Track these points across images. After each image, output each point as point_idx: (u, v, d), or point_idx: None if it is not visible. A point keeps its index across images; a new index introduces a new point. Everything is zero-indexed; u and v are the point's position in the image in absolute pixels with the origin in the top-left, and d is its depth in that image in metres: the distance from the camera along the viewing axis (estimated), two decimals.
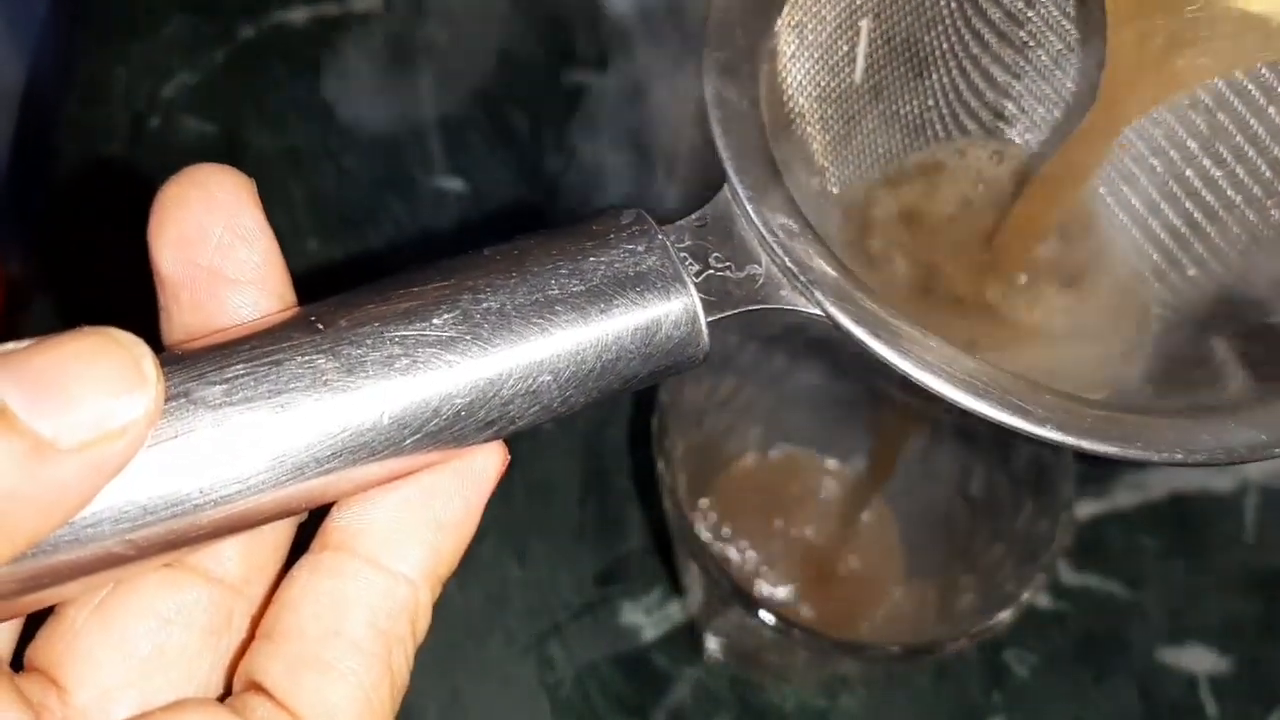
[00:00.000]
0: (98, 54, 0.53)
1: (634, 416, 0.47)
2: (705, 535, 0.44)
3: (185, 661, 0.20)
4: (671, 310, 0.21)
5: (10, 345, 0.17)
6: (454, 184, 0.52)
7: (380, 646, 0.20)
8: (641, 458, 0.47)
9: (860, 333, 0.21)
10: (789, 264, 0.22)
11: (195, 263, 0.20)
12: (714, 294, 0.21)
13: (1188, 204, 0.28)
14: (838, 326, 0.21)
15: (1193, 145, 0.28)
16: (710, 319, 0.21)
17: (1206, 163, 0.28)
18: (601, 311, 0.20)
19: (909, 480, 0.43)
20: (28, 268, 0.51)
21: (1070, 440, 0.21)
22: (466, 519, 0.21)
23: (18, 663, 0.20)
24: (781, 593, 0.44)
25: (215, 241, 0.20)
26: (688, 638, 0.44)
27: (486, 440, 0.20)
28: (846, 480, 0.46)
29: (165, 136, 0.52)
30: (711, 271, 0.22)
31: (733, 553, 0.44)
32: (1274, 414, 0.22)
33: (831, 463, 0.46)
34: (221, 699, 0.20)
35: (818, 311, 0.22)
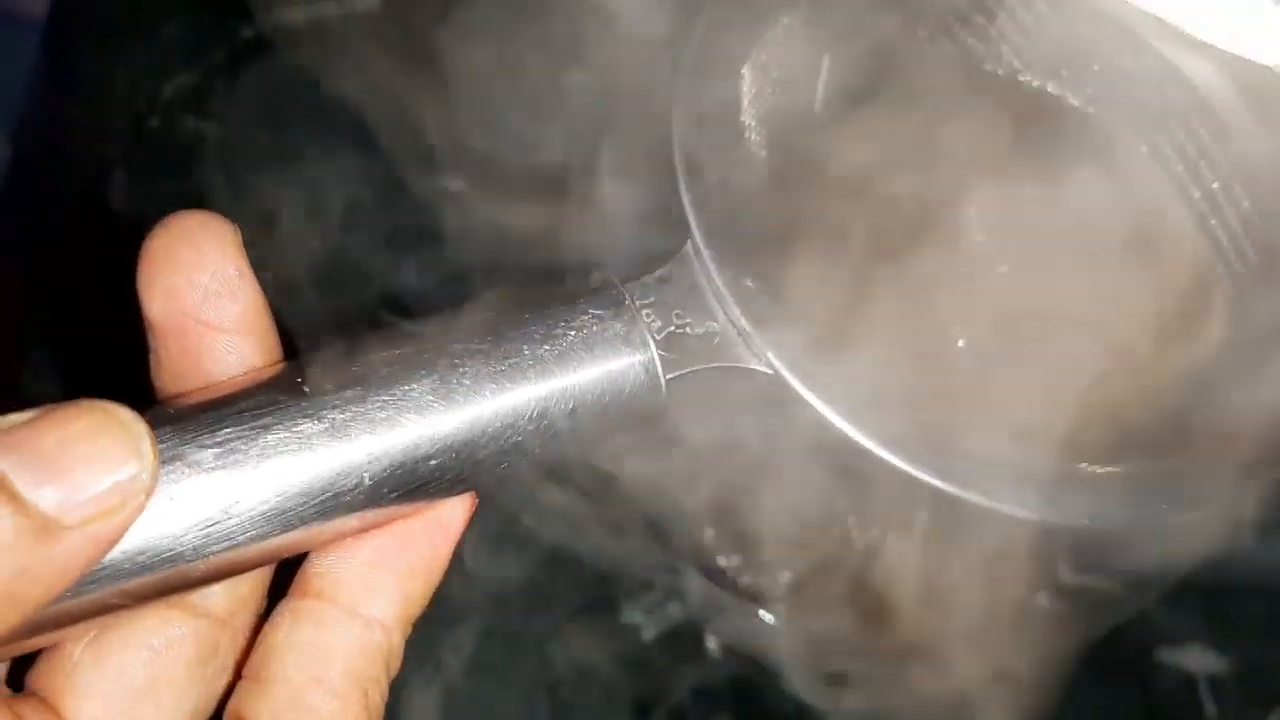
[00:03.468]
0: (98, 54, 0.53)
1: None
2: (706, 536, 0.44)
3: (175, 690, 0.22)
4: (634, 371, 0.22)
5: (13, 418, 0.18)
6: (454, 184, 0.52)
7: (357, 690, 0.21)
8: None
9: (809, 395, 0.23)
10: (744, 324, 0.23)
11: (183, 312, 0.21)
12: (674, 351, 0.23)
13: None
14: (786, 388, 0.23)
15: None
16: (670, 376, 0.23)
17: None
18: (570, 374, 0.22)
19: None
20: (28, 269, 0.51)
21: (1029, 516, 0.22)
22: (435, 565, 0.22)
23: (17, 681, 0.22)
24: (780, 592, 0.44)
25: (201, 292, 0.21)
26: (688, 638, 0.44)
27: (459, 494, 0.22)
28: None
29: (165, 136, 0.52)
30: (673, 328, 0.23)
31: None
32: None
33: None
34: None
35: (769, 372, 0.23)
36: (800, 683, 0.44)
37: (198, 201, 0.53)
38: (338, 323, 0.47)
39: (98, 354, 0.47)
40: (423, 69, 0.54)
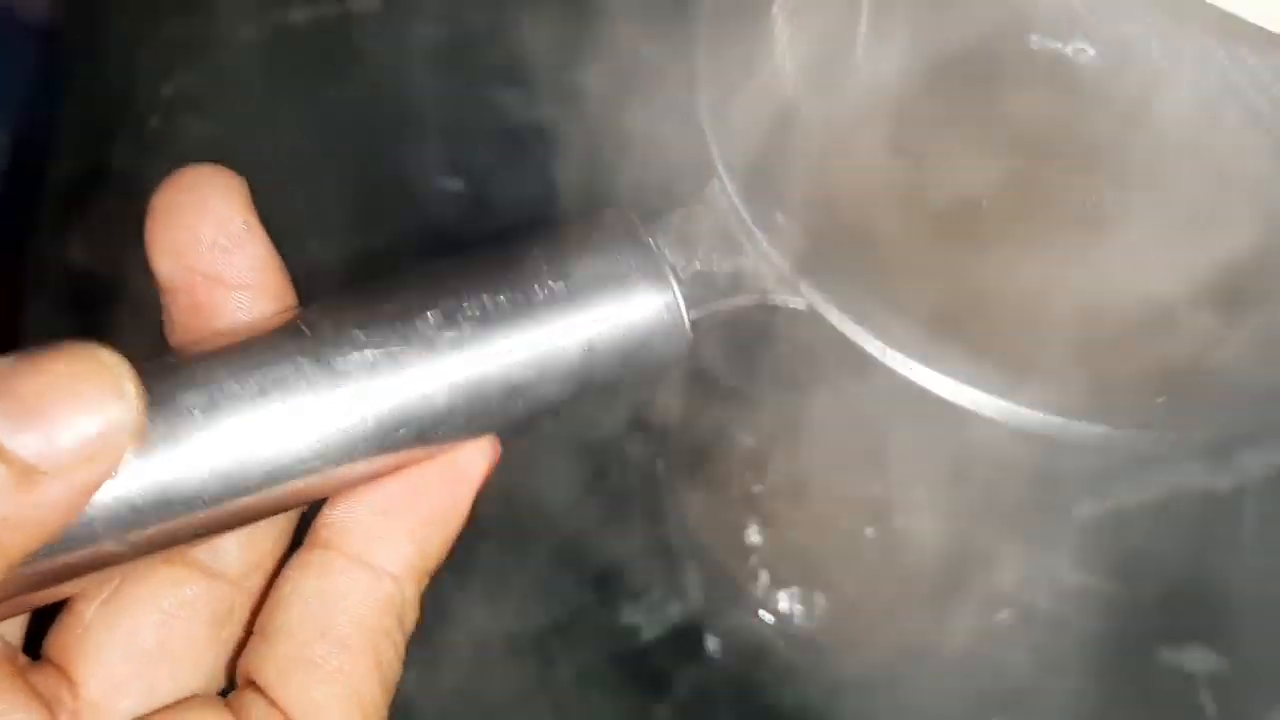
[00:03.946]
0: (98, 54, 0.53)
1: (634, 416, 0.47)
2: (706, 536, 0.44)
3: (189, 654, 0.21)
4: (654, 307, 0.21)
5: None
6: (454, 184, 0.52)
7: (366, 642, 0.20)
8: (641, 458, 0.47)
9: (844, 323, 0.21)
10: (774, 256, 0.22)
11: (191, 268, 0.20)
12: (700, 288, 0.22)
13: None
14: (822, 317, 0.22)
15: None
16: (694, 313, 0.21)
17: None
18: (584, 310, 0.20)
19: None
20: (28, 268, 0.51)
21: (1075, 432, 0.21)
22: (452, 515, 0.21)
23: (34, 649, 0.21)
24: (782, 592, 0.44)
25: (208, 246, 0.20)
26: (688, 638, 0.44)
27: (471, 437, 0.21)
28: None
29: (165, 136, 0.52)
30: (698, 265, 0.22)
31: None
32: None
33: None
34: (224, 693, 0.21)
35: (802, 304, 0.22)
36: (800, 683, 0.44)
37: None
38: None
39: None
40: (423, 69, 0.54)
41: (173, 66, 0.53)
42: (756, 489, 0.45)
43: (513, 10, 0.55)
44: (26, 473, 0.17)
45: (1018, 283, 0.29)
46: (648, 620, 0.44)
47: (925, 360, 0.21)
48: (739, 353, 0.42)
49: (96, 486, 0.18)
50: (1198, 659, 0.45)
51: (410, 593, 0.21)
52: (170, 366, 0.19)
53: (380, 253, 0.50)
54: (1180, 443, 0.22)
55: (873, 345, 0.21)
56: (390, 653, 0.21)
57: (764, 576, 0.44)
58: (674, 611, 0.45)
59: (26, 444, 0.17)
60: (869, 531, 0.45)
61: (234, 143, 0.52)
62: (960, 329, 0.23)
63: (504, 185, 0.52)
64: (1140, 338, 0.27)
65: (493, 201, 0.52)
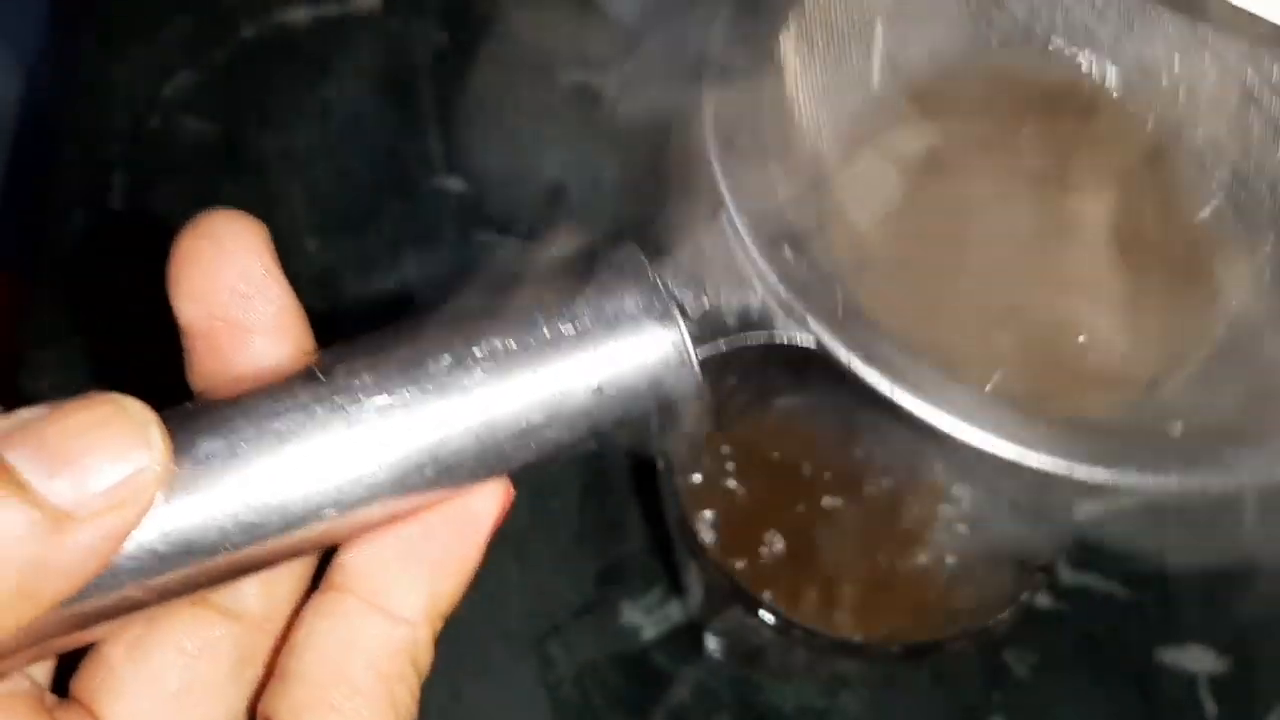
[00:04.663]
0: (98, 54, 0.53)
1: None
2: (705, 535, 0.44)
3: (212, 695, 0.22)
4: (662, 347, 0.21)
5: (23, 413, 0.18)
6: (454, 184, 0.52)
7: (381, 686, 0.21)
8: (641, 458, 0.47)
9: (855, 363, 0.21)
10: (783, 293, 0.22)
11: (210, 315, 0.21)
12: (708, 326, 0.22)
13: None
14: (831, 357, 0.21)
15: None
16: (702, 353, 0.21)
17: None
18: (592, 352, 0.21)
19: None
20: (28, 269, 0.51)
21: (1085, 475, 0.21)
22: (466, 559, 0.22)
23: (62, 689, 0.22)
24: (782, 593, 0.44)
25: (229, 292, 0.21)
26: (688, 638, 0.44)
27: (483, 480, 0.21)
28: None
29: (165, 136, 0.52)
30: (706, 303, 0.22)
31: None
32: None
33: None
34: None
35: (812, 343, 0.22)
36: (800, 683, 0.44)
37: (197, 202, 0.53)
38: (326, 323, 0.47)
39: (98, 354, 0.47)
40: (423, 69, 0.54)
41: (173, 66, 0.53)
42: (758, 487, 0.45)
43: (513, 10, 0.55)
44: (59, 519, 0.17)
45: (1033, 321, 0.29)
46: (648, 620, 0.44)
47: (934, 402, 0.21)
48: (744, 355, 0.42)
49: (127, 532, 0.18)
50: (1198, 659, 0.45)
51: (424, 636, 0.21)
52: (190, 414, 0.20)
53: (380, 252, 0.50)
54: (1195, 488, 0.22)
55: (881, 383, 0.21)
56: (405, 696, 0.21)
57: (764, 576, 0.44)
58: (674, 611, 0.45)
59: (59, 490, 0.17)
60: (869, 530, 0.45)
61: (234, 143, 0.52)
62: (970, 367, 0.23)
63: (504, 185, 0.52)
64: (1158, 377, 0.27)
65: (493, 201, 0.52)
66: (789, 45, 0.26)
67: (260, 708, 0.21)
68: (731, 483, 0.45)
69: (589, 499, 0.46)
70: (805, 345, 0.22)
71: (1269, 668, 0.45)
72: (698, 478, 0.44)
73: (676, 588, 0.45)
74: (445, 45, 0.55)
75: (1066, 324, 0.29)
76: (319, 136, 0.52)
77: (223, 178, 0.51)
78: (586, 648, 0.44)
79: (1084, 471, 0.21)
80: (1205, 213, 0.28)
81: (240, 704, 0.22)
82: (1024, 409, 0.21)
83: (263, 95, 0.53)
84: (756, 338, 0.22)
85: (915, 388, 0.21)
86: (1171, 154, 0.29)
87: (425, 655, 0.22)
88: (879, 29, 0.28)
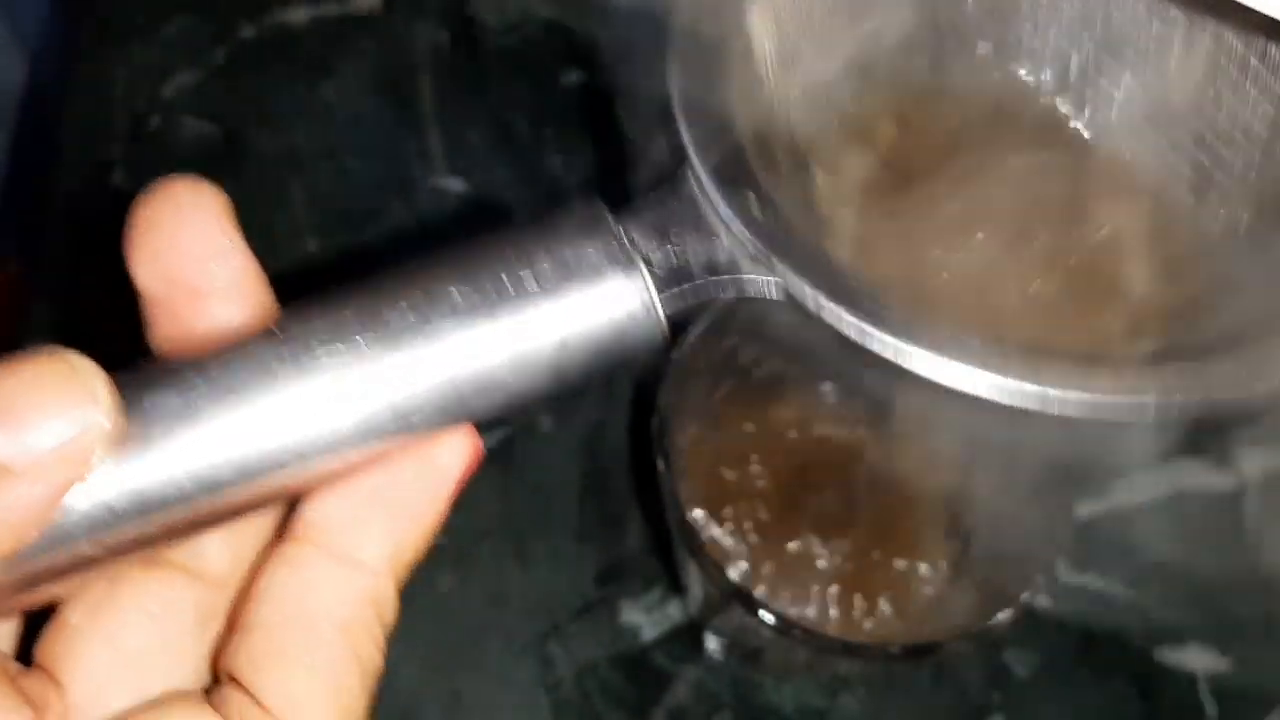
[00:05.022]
0: (98, 54, 0.53)
1: (634, 416, 0.47)
2: (705, 535, 0.44)
3: (175, 654, 0.21)
4: (624, 296, 0.20)
5: None
6: (454, 184, 0.52)
7: (343, 636, 0.20)
8: (641, 458, 0.47)
9: (820, 302, 0.21)
10: (748, 236, 0.21)
11: (170, 279, 0.21)
12: (672, 274, 0.21)
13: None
14: (796, 298, 0.21)
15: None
16: (667, 301, 0.21)
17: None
18: (555, 303, 0.20)
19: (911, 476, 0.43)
20: (28, 268, 0.51)
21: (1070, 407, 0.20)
22: (431, 509, 0.21)
23: (26, 657, 0.21)
24: (782, 592, 0.44)
25: (187, 258, 0.20)
26: (688, 638, 0.44)
27: (446, 428, 0.21)
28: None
29: (165, 136, 0.52)
30: (671, 251, 0.21)
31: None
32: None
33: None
34: (207, 691, 0.21)
35: (776, 286, 0.21)
36: (800, 683, 0.44)
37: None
38: None
39: (97, 354, 0.47)
40: (423, 69, 0.54)
41: (173, 66, 0.53)
42: (758, 487, 0.45)
43: (512, 8, 0.55)
44: (1, 473, 0.17)
45: (995, 263, 0.28)
46: (648, 620, 0.44)
47: (907, 338, 0.20)
48: (739, 349, 0.42)
49: (68, 487, 0.18)
50: (1198, 659, 0.45)
51: (387, 586, 0.21)
52: (144, 371, 0.19)
53: (380, 252, 0.50)
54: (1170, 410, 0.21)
55: (850, 326, 0.20)
56: (369, 646, 0.21)
57: (764, 576, 0.44)
58: (674, 611, 0.45)
59: (1, 446, 0.17)
60: (871, 530, 0.45)
61: (234, 143, 0.52)
62: (937, 308, 0.22)
63: (504, 185, 0.52)
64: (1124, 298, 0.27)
65: (493, 201, 0.52)
66: (756, 13, 0.26)
67: (221, 661, 0.21)
68: (732, 482, 0.45)
69: (589, 499, 0.46)
70: (772, 295, 0.21)
71: (1269, 668, 0.45)
72: (699, 477, 0.44)
73: (676, 588, 0.45)
74: (445, 45, 0.55)
75: (1041, 275, 0.28)
76: (319, 136, 0.52)
77: (223, 178, 0.51)
78: (586, 648, 0.44)
79: (1058, 396, 0.20)
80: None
81: (203, 662, 0.22)
82: (994, 338, 0.20)
83: (263, 95, 0.53)
84: (721, 285, 0.22)
85: (883, 323, 0.20)
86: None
87: (389, 605, 0.21)
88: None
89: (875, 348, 0.20)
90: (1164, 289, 0.27)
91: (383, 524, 0.21)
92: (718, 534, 0.44)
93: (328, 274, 0.49)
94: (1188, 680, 0.45)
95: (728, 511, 0.44)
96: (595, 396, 0.47)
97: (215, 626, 0.22)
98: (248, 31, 0.54)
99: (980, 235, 0.28)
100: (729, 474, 0.46)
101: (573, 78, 0.54)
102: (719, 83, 0.24)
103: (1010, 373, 0.20)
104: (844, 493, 0.46)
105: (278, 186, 0.51)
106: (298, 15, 0.55)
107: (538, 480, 0.46)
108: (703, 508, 0.45)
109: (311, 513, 0.21)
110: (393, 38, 0.54)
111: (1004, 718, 0.44)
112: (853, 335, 0.20)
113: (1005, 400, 0.20)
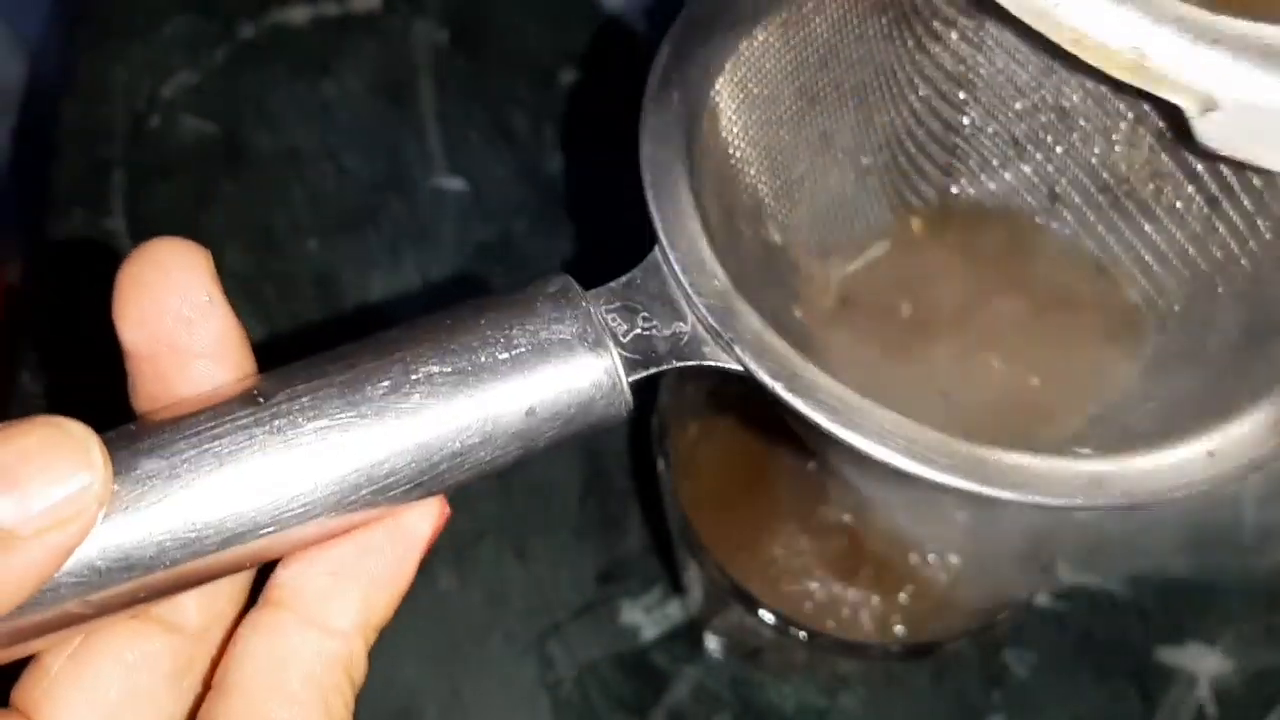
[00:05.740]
0: (98, 54, 0.53)
1: (634, 417, 0.47)
2: (705, 535, 0.44)
3: (150, 704, 0.22)
4: (593, 373, 0.22)
5: None
6: (454, 184, 0.52)
7: (317, 697, 0.21)
8: (641, 458, 0.47)
9: (778, 388, 0.22)
10: (711, 321, 0.23)
11: (154, 339, 0.21)
12: (640, 353, 0.23)
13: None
14: (757, 382, 0.23)
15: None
16: (633, 379, 0.22)
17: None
18: (525, 378, 0.22)
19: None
20: (27, 268, 0.51)
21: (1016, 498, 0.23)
22: (400, 573, 0.22)
23: (3, 699, 0.22)
24: (782, 592, 0.44)
25: (173, 318, 0.21)
26: (688, 637, 0.44)
27: (419, 499, 0.22)
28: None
29: (165, 136, 0.52)
30: (639, 330, 0.23)
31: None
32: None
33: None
34: None
35: (739, 369, 0.23)
36: (800, 683, 0.44)
37: (197, 202, 0.53)
38: (325, 323, 0.47)
39: (96, 354, 0.47)
40: (423, 69, 0.54)
41: (172, 66, 0.53)
42: (758, 486, 0.45)
43: (512, 9, 0.55)
44: (2, 537, 0.18)
45: (954, 356, 0.30)
46: (648, 620, 0.44)
47: (857, 430, 0.22)
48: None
49: (71, 549, 0.19)
50: (1198, 659, 0.45)
51: (358, 648, 0.22)
52: (132, 435, 0.20)
53: (380, 252, 0.50)
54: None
55: (810, 411, 0.22)
56: (340, 706, 0.22)
57: (764, 576, 0.44)
58: (674, 611, 0.45)
59: (2, 510, 0.18)
60: (869, 529, 0.45)
61: (234, 143, 0.52)
62: (900, 402, 0.24)
63: (504, 185, 0.52)
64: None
65: (493, 201, 0.52)
66: (724, 90, 0.27)
67: (199, 718, 0.22)
68: (733, 482, 0.45)
69: (589, 498, 0.46)
70: (735, 370, 0.23)
71: (1269, 668, 0.45)
72: (699, 478, 0.44)
73: (676, 588, 0.45)
74: (445, 45, 0.55)
75: (993, 365, 0.30)
76: (319, 136, 0.52)
77: (222, 178, 0.51)
78: (586, 647, 0.44)
79: (990, 491, 0.23)
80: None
81: (179, 713, 0.23)
82: (941, 429, 0.23)
83: (262, 95, 0.53)
84: (686, 364, 0.23)
85: (834, 412, 0.22)
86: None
87: (359, 667, 0.22)
88: (803, 77, 0.29)
89: (832, 434, 0.22)
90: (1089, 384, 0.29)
91: (355, 590, 0.22)
92: (718, 534, 0.44)
93: (328, 275, 0.49)
94: (1188, 680, 0.45)
95: (729, 512, 0.44)
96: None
97: (190, 678, 0.23)
98: (247, 31, 0.54)
99: (949, 331, 0.30)
100: (729, 474, 0.46)
101: (573, 78, 0.54)
102: (690, 167, 0.25)
103: (955, 473, 0.22)
104: (846, 492, 0.46)
105: (278, 186, 0.51)
106: (297, 15, 0.55)
107: (538, 480, 0.46)
108: (703, 508, 0.45)
109: (287, 579, 0.22)
110: (393, 38, 0.54)
111: (1004, 718, 0.44)
112: (811, 420, 0.22)
113: (952, 487, 0.22)
